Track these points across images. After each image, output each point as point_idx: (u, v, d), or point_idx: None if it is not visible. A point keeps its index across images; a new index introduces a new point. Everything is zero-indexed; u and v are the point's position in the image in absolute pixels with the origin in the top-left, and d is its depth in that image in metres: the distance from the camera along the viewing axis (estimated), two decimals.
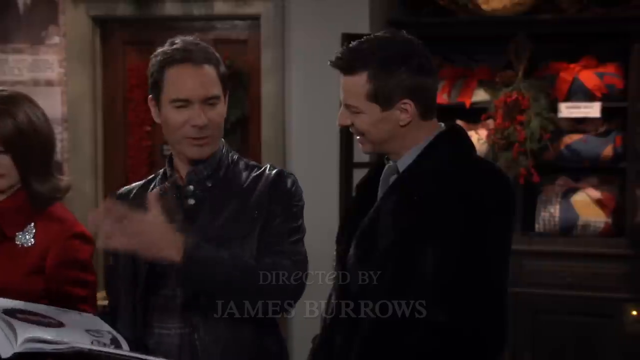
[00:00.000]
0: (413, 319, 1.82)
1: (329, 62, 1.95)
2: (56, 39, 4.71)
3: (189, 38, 2.02)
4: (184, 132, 1.97)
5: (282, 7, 4.36)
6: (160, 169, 2.15)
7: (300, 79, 4.34)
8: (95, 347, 1.76)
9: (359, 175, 4.01)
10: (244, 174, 2.05)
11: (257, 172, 2.06)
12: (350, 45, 1.92)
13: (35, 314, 1.87)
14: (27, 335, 1.75)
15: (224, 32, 4.65)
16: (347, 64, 1.91)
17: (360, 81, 1.89)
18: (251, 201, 2.00)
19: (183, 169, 2.04)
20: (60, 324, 1.85)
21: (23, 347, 1.73)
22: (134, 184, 2.17)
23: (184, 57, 1.96)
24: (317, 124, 4.28)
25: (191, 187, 2.03)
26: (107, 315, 2.03)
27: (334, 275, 2.01)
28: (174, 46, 1.98)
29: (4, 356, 1.73)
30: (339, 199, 4.07)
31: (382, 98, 1.89)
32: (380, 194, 1.98)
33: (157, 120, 2.04)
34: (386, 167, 1.99)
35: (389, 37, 1.93)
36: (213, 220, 1.98)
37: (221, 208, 2.00)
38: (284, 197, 2.02)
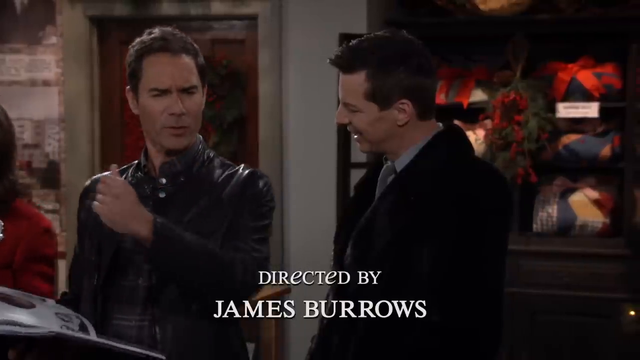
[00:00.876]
0: (409, 319, 1.82)
1: (328, 60, 1.95)
2: (53, 39, 4.70)
3: (167, 28, 2.02)
4: (162, 121, 1.97)
5: (280, 7, 4.36)
6: None
7: (297, 79, 4.34)
8: (75, 334, 1.73)
9: (356, 175, 4.01)
10: (217, 172, 2.05)
11: (231, 171, 2.06)
12: (350, 43, 1.92)
13: (5, 295, 1.86)
14: (1, 317, 1.72)
15: (221, 32, 4.65)
16: (346, 62, 1.91)
17: (359, 80, 1.89)
18: (221, 198, 2.00)
19: (157, 161, 2.04)
20: (31, 305, 1.84)
21: None
22: (105, 173, 2.14)
23: (162, 46, 1.95)
24: (315, 124, 4.28)
25: (163, 179, 2.03)
26: (68, 303, 2.02)
27: (332, 275, 2.00)
28: (152, 35, 1.98)
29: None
30: (336, 199, 4.06)
31: (380, 97, 1.88)
32: (377, 194, 1.98)
33: (135, 111, 2.04)
34: (384, 167, 1.99)
35: (388, 37, 1.92)
36: (181, 215, 1.98)
37: (191, 203, 2.00)
38: (254, 196, 2.01)
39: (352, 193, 2.16)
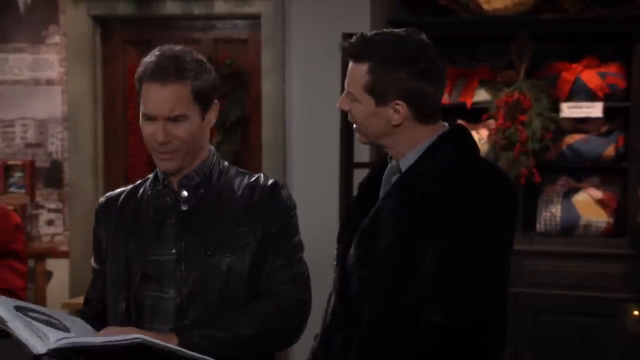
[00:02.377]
0: (412, 319, 1.81)
1: (339, 46, 1.96)
2: (56, 38, 4.70)
3: (170, 49, 2.00)
4: (151, 144, 2.02)
5: (283, 7, 4.35)
6: None
7: (300, 79, 4.33)
8: (156, 341, 1.74)
9: (359, 174, 4.01)
10: (237, 181, 2.08)
11: (250, 180, 2.08)
12: (365, 34, 1.92)
13: (42, 313, 1.87)
14: (58, 336, 1.74)
15: (224, 32, 4.65)
16: (355, 50, 1.91)
17: (362, 71, 1.90)
18: (247, 211, 2.02)
19: (174, 175, 2.06)
20: (66, 327, 1.84)
21: (59, 344, 1.71)
22: (120, 189, 2.19)
23: (153, 75, 1.96)
24: (318, 123, 4.28)
25: (185, 192, 2.04)
26: (94, 320, 2.03)
27: (335, 275, 2.00)
28: (150, 60, 1.99)
29: (40, 351, 1.71)
30: (339, 198, 4.06)
31: (377, 93, 1.89)
32: (382, 193, 1.97)
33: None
34: (389, 166, 1.99)
35: (403, 36, 1.91)
36: (209, 227, 2.00)
37: (216, 216, 2.01)
38: (280, 211, 2.05)
39: (355, 192, 2.16)
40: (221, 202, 2.03)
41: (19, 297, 2.20)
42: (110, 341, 1.74)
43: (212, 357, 1.84)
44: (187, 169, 2.04)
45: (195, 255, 1.98)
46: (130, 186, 2.17)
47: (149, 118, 1.98)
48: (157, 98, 1.96)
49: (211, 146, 2.11)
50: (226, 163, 2.13)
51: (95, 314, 2.09)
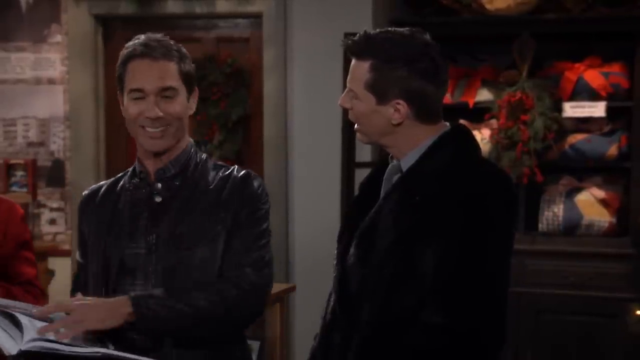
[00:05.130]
0: (412, 319, 1.81)
1: (342, 43, 1.96)
2: (58, 38, 4.70)
3: (156, 35, 2.06)
4: (139, 122, 2.02)
5: (284, 6, 4.35)
6: None
7: (302, 78, 4.33)
8: (114, 352, 1.77)
9: (360, 174, 4.00)
10: (212, 174, 2.09)
11: (225, 173, 2.09)
12: (368, 31, 1.92)
13: (18, 308, 1.88)
14: (35, 335, 1.76)
15: (226, 31, 4.65)
16: (357, 48, 1.91)
17: (364, 68, 1.90)
18: (218, 202, 2.04)
19: (151, 167, 2.07)
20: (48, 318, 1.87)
21: (29, 346, 1.73)
22: (102, 182, 2.21)
23: (143, 52, 2.00)
24: (319, 122, 4.27)
25: (159, 184, 2.06)
26: None
27: (334, 274, 2.00)
28: (136, 41, 2.04)
29: (11, 353, 1.74)
30: (340, 198, 4.06)
31: (378, 91, 1.89)
32: (382, 193, 1.97)
33: (123, 113, 2.08)
34: (390, 166, 1.98)
35: (406, 35, 1.91)
36: (179, 219, 2.01)
37: (187, 208, 2.03)
38: (250, 200, 2.06)
39: (356, 192, 2.15)
40: (194, 194, 2.05)
41: (34, 286, 2.32)
42: (77, 352, 1.76)
43: (171, 329, 1.90)
44: (165, 159, 2.06)
45: (165, 247, 2.00)
46: (111, 179, 2.19)
47: (139, 96, 2.00)
48: (149, 72, 1.99)
49: (190, 138, 2.13)
50: (204, 156, 2.14)
51: None
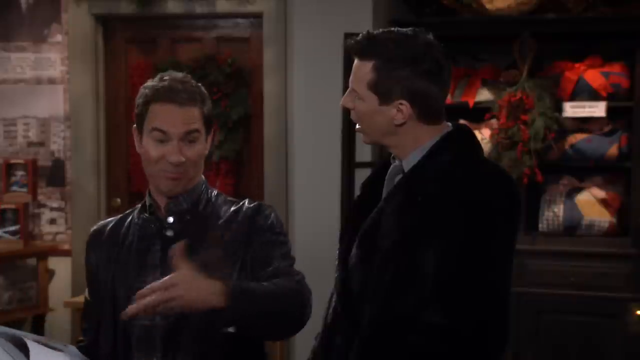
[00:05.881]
0: (414, 320, 1.81)
1: (345, 43, 1.95)
2: (58, 37, 4.70)
3: (179, 75, 2.03)
4: (160, 166, 1.99)
5: (285, 6, 4.35)
6: None
7: (302, 78, 4.33)
8: None
9: (360, 174, 4.01)
10: (223, 208, 2.07)
11: (236, 207, 2.07)
12: (372, 31, 1.92)
13: (39, 339, 1.85)
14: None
15: (226, 31, 4.64)
16: (360, 48, 1.91)
17: (367, 68, 1.89)
18: (230, 235, 2.01)
19: (162, 201, 2.05)
20: (60, 350, 1.83)
21: None
22: (110, 219, 2.18)
23: (168, 97, 1.97)
24: (319, 122, 4.27)
25: (170, 218, 2.04)
26: (87, 350, 2.04)
27: (336, 275, 1.99)
28: (162, 83, 2.00)
29: None
30: (340, 198, 4.05)
31: (381, 91, 1.88)
32: (384, 193, 1.97)
33: (138, 150, 2.05)
34: (392, 166, 1.98)
35: (409, 36, 1.91)
36: (193, 253, 1.94)
37: (200, 242, 1.99)
38: (263, 230, 2.02)
39: (357, 192, 2.15)
40: (206, 228, 2.02)
41: None
42: None
43: (262, 309, 1.82)
44: (177, 194, 2.04)
45: None
46: (119, 215, 2.17)
47: (162, 138, 1.97)
48: (175, 116, 1.97)
49: (202, 175, 2.11)
50: (215, 192, 2.11)
51: (89, 343, 2.07)
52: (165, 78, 2.01)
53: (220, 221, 2.04)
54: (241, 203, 2.08)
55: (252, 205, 2.06)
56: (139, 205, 2.13)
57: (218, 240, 2.01)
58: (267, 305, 1.85)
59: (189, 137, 1.98)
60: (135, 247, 2.04)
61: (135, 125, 2.05)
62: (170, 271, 1.87)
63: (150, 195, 2.08)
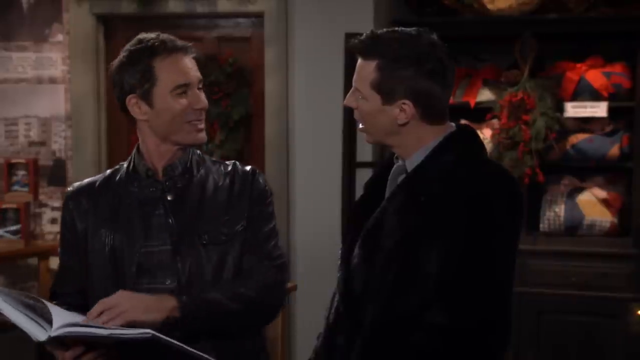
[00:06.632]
0: (416, 320, 1.81)
1: (348, 43, 1.96)
2: (60, 37, 4.70)
3: (161, 34, 2.05)
4: (186, 118, 2.00)
5: (286, 5, 4.35)
6: None
7: (303, 77, 4.33)
8: (166, 338, 1.72)
9: (361, 174, 4.01)
10: (214, 169, 2.10)
11: (228, 169, 2.10)
12: (375, 31, 1.92)
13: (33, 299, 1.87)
14: (67, 321, 1.74)
15: (227, 30, 4.65)
16: (363, 47, 1.91)
17: (370, 68, 1.89)
18: (230, 200, 2.05)
19: (159, 164, 2.06)
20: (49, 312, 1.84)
21: (61, 332, 1.71)
22: (88, 179, 2.19)
23: (174, 46, 1.99)
24: (321, 122, 4.27)
25: (169, 182, 2.05)
26: (78, 308, 2.01)
27: (338, 274, 2.00)
28: (154, 38, 2.00)
29: (40, 339, 1.72)
30: (341, 197, 4.05)
31: (384, 90, 1.89)
32: (387, 193, 1.97)
33: (141, 117, 2.04)
34: (395, 166, 1.98)
35: (413, 35, 1.90)
36: (197, 217, 2.01)
37: (202, 206, 2.03)
38: (260, 197, 2.08)
39: (358, 191, 2.15)
40: (205, 191, 2.05)
41: None
42: (118, 334, 1.72)
43: (213, 324, 1.89)
44: (173, 157, 2.05)
45: (190, 245, 1.99)
46: (99, 176, 2.16)
47: (183, 90, 1.98)
48: (189, 64, 2.00)
49: None
50: (198, 151, 2.13)
51: (70, 307, 2.03)
52: (151, 35, 2.01)
53: (217, 184, 2.06)
54: (231, 165, 2.11)
55: (247, 170, 2.11)
56: (124, 165, 2.12)
57: (219, 204, 2.03)
58: (220, 322, 1.94)
59: (199, 85, 2.03)
60: (137, 211, 2.03)
61: (133, 94, 2.01)
62: (179, 236, 1.95)
63: (144, 158, 2.06)
